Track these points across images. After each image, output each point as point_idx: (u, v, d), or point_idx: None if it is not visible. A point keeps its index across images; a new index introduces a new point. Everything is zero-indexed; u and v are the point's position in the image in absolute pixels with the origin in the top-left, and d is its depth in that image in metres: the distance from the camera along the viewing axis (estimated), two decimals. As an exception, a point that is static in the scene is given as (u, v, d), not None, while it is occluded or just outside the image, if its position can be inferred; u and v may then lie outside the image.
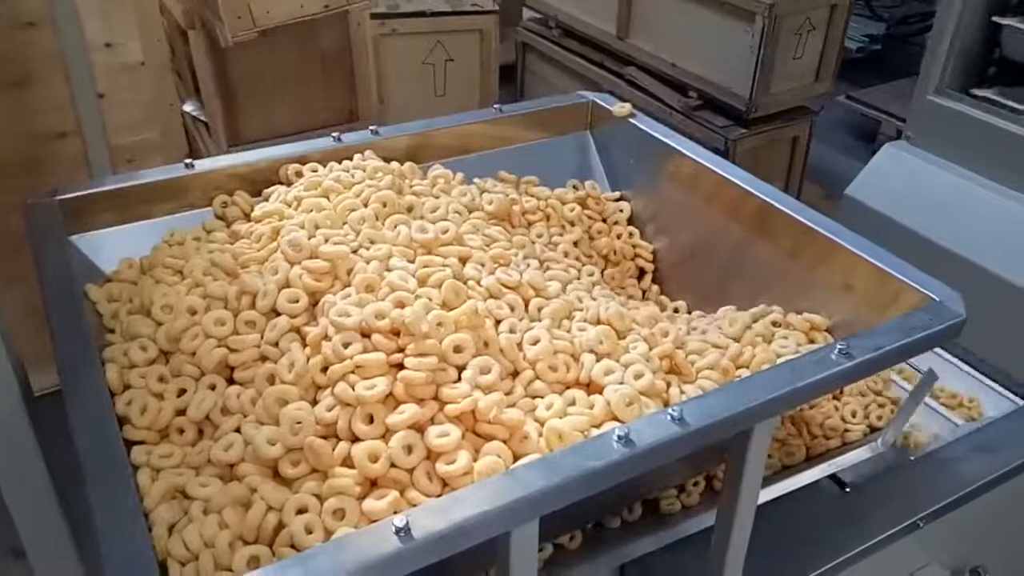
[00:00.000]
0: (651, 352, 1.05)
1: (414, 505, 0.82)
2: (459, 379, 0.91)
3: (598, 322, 1.10)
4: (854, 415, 1.42)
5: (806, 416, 1.40)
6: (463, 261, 1.13)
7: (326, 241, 1.07)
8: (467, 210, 1.32)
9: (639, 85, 3.35)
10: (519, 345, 1.01)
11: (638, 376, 0.99)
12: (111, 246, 1.22)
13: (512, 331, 1.02)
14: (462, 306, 0.95)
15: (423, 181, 1.36)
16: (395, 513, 0.76)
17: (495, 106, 1.52)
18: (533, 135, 1.55)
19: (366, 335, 0.92)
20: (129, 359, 0.96)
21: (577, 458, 0.82)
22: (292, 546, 0.78)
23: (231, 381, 0.96)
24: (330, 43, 2.40)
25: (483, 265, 1.14)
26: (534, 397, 0.96)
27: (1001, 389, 1.73)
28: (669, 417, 0.86)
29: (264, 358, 0.95)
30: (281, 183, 1.31)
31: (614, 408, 0.93)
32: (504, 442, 0.87)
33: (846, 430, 1.40)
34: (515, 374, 0.99)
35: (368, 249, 1.09)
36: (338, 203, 1.19)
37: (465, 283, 1.06)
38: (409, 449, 0.83)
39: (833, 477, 1.54)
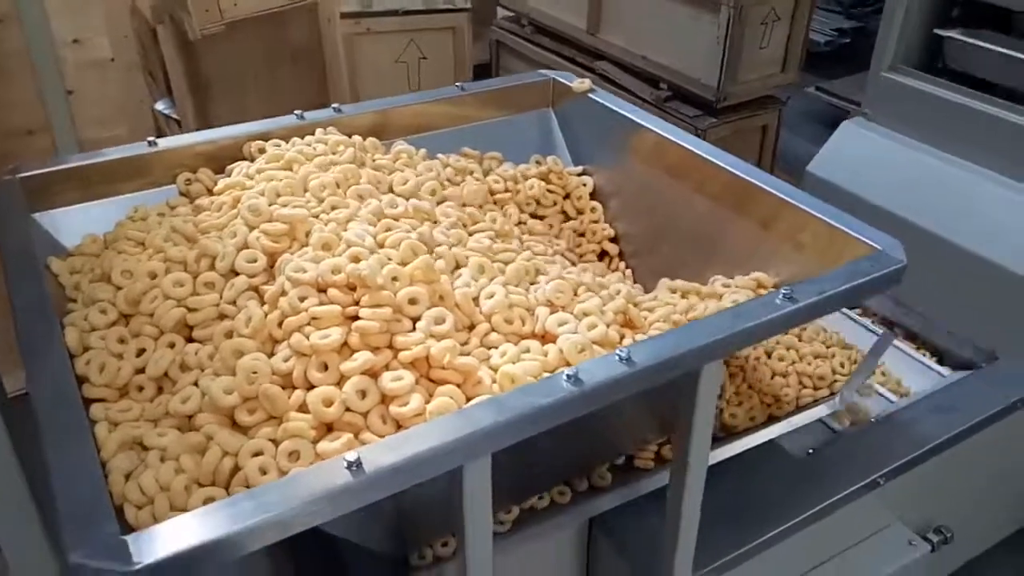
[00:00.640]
0: (605, 307, 1.08)
1: (369, 446, 0.84)
2: (414, 330, 0.93)
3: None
4: (813, 377, 1.45)
5: (764, 381, 1.43)
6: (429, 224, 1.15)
7: (286, 207, 1.09)
8: (440, 186, 1.34)
9: (611, 79, 3.39)
10: (476, 300, 1.03)
11: (591, 327, 1.01)
12: (75, 223, 1.23)
13: (469, 287, 1.04)
14: (416, 260, 0.97)
15: (386, 156, 1.38)
16: (349, 452, 0.78)
17: (457, 84, 1.54)
18: (496, 113, 1.58)
19: (322, 290, 0.94)
20: (89, 323, 0.98)
21: (527, 396, 0.84)
22: (247, 487, 0.80)
23: (191, 341, 0.98)
24: (300, 38, 2.42)
25: (449, 231, 1.17)
26: (490, 348, 0.99)
27: (958, 354, 1.77)
28: (617, 358, 0.89)
29: (223, 316, 0.97)
30: (245, 160, 1.32)
31: (567, 355, 0.95)
32: (458, 387, 0.89)
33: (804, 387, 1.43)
34: (471, 328, 1.01)
35: (328, 214, 1.12)
36: (299, 173, 1.21)
37: (431, 252, 1.07)
38: (363, 394, 0.85)
39: (797, 442, 1.57)
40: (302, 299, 0.92)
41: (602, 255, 1.54)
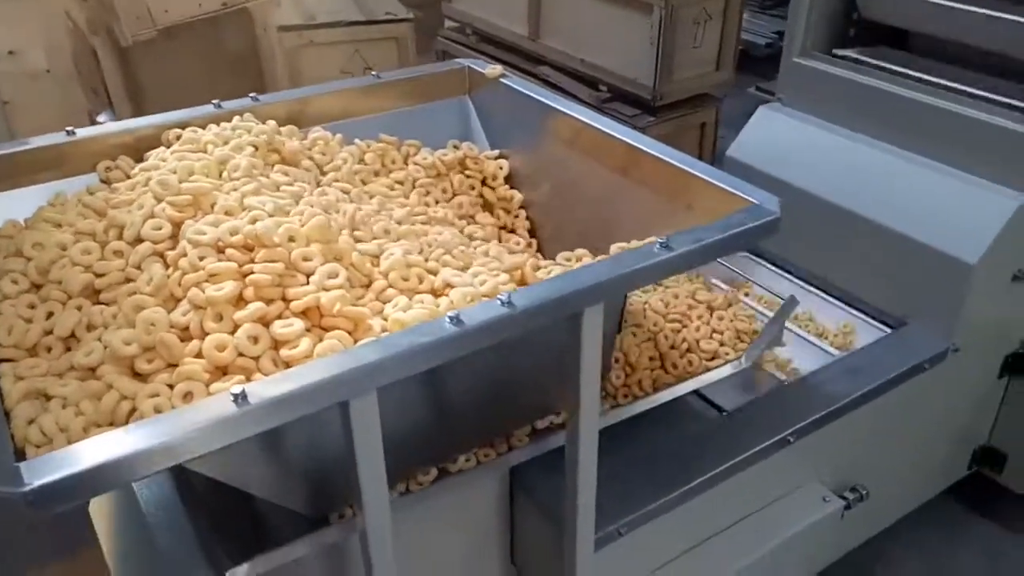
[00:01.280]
0: (502, 267, 1.14)
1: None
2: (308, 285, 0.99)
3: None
4: (720, 340, 1.53)
5: (675, 343, 1.50)
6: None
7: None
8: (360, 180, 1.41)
9: (552, 83, 3.48)
10: (376, 262, 1.09)
11: (483, 282, 1.08)
12: (-3, 211, 1.28)
13: (367, 250, 1.10)
14: (311, 220, 1.03)
15: (303, 141, 1.44)
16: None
17: (374, 73, 1.61)
18: (413, 100, 1.64)
19: (221, 251, 0.99)
20: (1, 293, 1.02)
21: (411, 336, 0.90)
22: (143, 427, 0.84)
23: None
24: (238, 47, 2.48)
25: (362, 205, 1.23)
26: (385, 303, 1.04)
27: (872, 321, 1.85)
28: (499, 302, 0.95)
29: (128, 280, 1.02)
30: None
31: (456, 304, 1.01)
32: (349, 334, 0.95)
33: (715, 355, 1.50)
34: (369, 287, 1.07)
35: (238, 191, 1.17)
36: (214, 155, 1.27)
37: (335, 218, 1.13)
38: (255, 340, 0.90)
39: (713, 404, 1.64)
40: (201, 259, 0.97)
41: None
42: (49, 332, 0.98)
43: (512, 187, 1.63)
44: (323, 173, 1.43)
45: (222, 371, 0.90)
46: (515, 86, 1.62)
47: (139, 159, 1.37)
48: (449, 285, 1.07)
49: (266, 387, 0.82)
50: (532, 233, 1.60)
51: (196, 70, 2.40)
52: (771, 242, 2.06)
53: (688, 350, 1.51)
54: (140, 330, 0.90)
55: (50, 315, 1.00)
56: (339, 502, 1.22)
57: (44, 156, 1.32)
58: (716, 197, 1.24)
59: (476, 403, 1.23)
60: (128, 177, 1.33)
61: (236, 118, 1.41)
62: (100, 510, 1.48)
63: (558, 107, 1.53)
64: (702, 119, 3.34)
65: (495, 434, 1.34)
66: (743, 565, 1.48)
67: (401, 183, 1.51)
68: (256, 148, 1.31)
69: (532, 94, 1.59)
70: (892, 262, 1.79)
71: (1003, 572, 1.97)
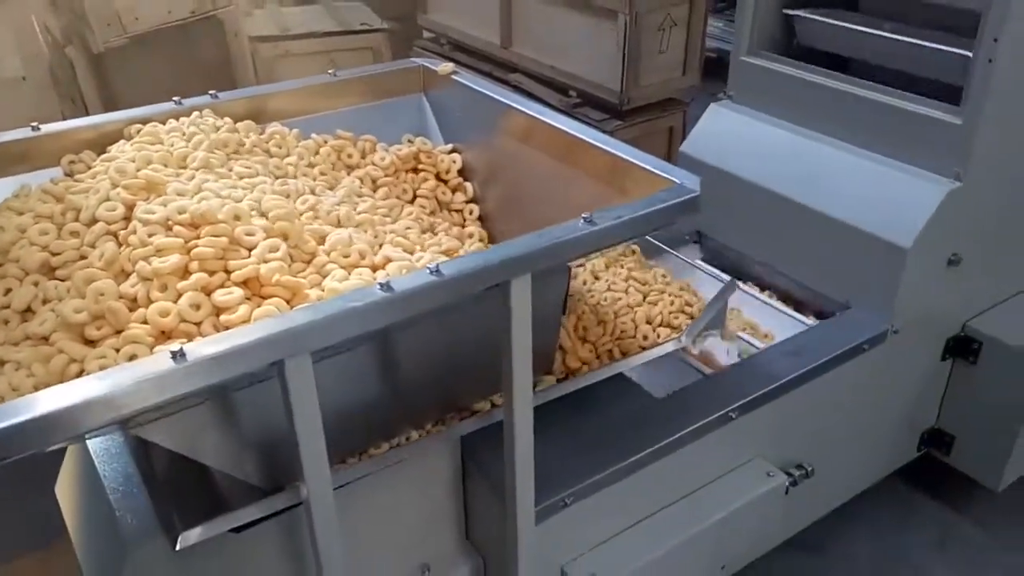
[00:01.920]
0: (440, 245, 1.21)
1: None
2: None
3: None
4: (662, 322, 1.59)
5: (622, 322, 1.57)
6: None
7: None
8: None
9: (524, 89, 3.56)
10: (322, 241, 1.16)
11: (420, 259, 1.14)
12: (-35, 203, 1.34)
13: (313, 230, 1.17)
14: (263, 199, 1.09)
15: (260, 136, 1.51)
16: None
17: (330, 72, 1.68)
18: (370, 98, 1.71)
19: (170, 229, 1.06)
20: (-37, 273, 1.08)
21: (342, 301, 0.96)
22: (89, 386, 0.90)
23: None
24: (210, 54, 2.55)
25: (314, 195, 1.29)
26: (325, 277, 1.11)
27: (796, 315, 1.93)
28: (428, 271, 1.02)
29: (82, 257, 1.08)
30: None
31: (392, 276, 1.08)
32: (287, 302, 1.01)
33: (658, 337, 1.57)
34: (311, 262, 1.13)
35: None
36: (173, 147, 1.34)
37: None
38: (197, 307, 0.97)
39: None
40: (151, 236, 1.04)
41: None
42: (7, 307, 1.04)
43: (466, 179, 1.70)
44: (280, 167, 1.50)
45: (167, 336, 0.96)
46: (466, 83, 1.70)
47: (102, 154, 1.44)
48: (389, 260, 1.13)
49: (203, 346, 0.88)
50: (483, 224, 1.67)
51: (169, 76, 2.47)
52: (722, 232, 2.15)
53: (633, 329, 1.58)
54: (90, 300, 0.97)
55: (8, 291, 1.06)
56: (291, 473, 1.27)
57: (10, 151, 1.39)
58: (646, 180, 1.31)
59: (425, 379, 1.29)
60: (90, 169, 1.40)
61: (195, 113, 1.48)
62: (66, 494, 1.54)
63: (506, 101, 1.60)
64: (670, 123, 3.42)
65: (447, 410, 1.40)
66: (687, 537, 1.54)
67: (361, 180, 1.58)
68: (214, 143, 1.38)
69: (482, 90, 1.67)
70: (834, 248, 1.86)
71: (951, 551, 2.04)
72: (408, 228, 1.38)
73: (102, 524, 1.39)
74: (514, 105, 1.58)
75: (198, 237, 1.05)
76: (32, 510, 1.83)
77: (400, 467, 1.32)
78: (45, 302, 1.04)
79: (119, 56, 2.30)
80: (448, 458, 1.40)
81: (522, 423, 1.19)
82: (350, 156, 1.61)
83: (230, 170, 1.25)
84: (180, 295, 0.98)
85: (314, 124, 1.63)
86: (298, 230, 1.12)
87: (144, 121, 1.46)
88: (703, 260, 2.12)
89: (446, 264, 1.03)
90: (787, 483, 1.67)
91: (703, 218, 2.16)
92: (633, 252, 1.86)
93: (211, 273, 1.01)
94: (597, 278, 1.73)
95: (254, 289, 1.02)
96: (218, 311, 0.98)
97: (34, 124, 1.40)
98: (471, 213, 1.66)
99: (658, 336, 1.58)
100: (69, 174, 1.41)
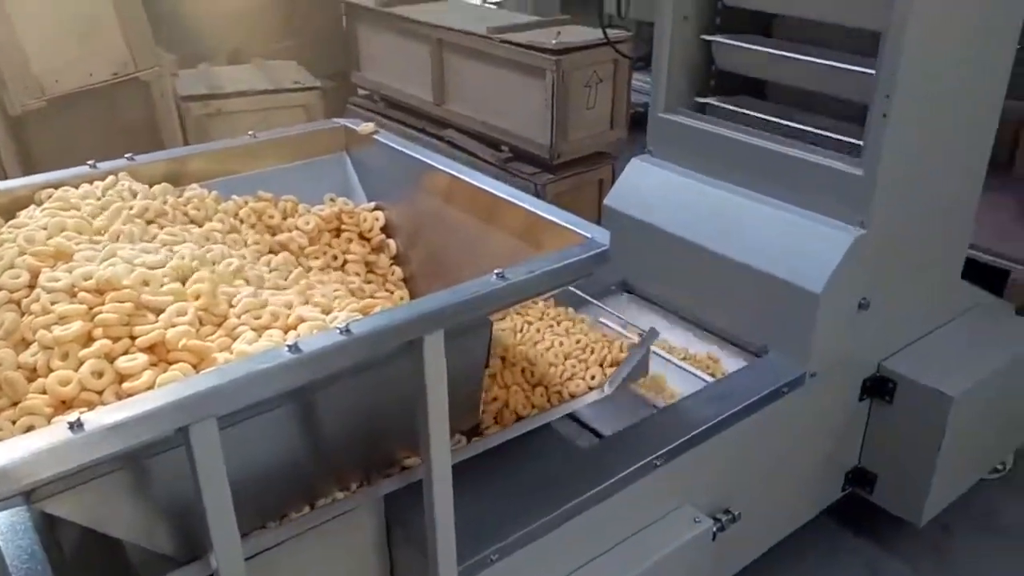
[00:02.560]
0: (356, 306, 1.22)
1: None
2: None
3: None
4: (586, 371, 1.62)
5: (546, 374, 1.59)
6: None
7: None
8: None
9: (457, 144, 3.62)
10: (232, 304, 1.16)
11: (335, 319, 1.15)
12: None
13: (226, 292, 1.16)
14: (167, 263, 1.09)
15: (179, 198, 1.51)
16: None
17: (249, 133, 1.69)
18: (291, 158, 1.73)
19: (75, 296, 1.05)
20: None
21: (249, 364, 0.96)
22: (-18, 460, 0.88)
23: (-45, 353, 1.06)
24: (135, 116, 2.54)
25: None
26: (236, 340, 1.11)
27: (738, 350, 1.98)
28: (338, 331, 1.02)
29: (-17, 327, 1.06)
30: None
31: (302, 336, 1.08)
32: (194, 367, 1.00)
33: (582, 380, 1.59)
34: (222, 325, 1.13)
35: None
36: (85, 211, 1.33)
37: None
38: (99, 375, 0.96)
39: (592, 430, 1.72)
40: (53, 303, 1.03)
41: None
42: (-98, 380, 1.02)
43: (390, 237, 1.72)
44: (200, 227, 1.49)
45: (67, 406, 0.95)
46: (388, 142, 1.72)
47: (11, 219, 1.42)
48: (302, 320, 1.14)
49: (103, 415, 0.87)
50: (406, 282, 1.68)
51: (92, 139, 2.45)
52: (646, 282, 2.20)
53: (559, 379, 1.59)
54: (-13, 370, 0.95)
55: (-96, 364, 1.03)
56: (205, 542, 1.24)
57: (-83, 217, 1.36)
58: (560, 235, 1.34)
59: (347, 438, 1.28)
60: (0, 236, 1.38)
61: (111, 177, 1.47)
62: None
63: (427, 160, 1.63)
64: (599, 175, 3.51)
65: (374, 467, 1.39)
66: (616, 589, 1.54)
67: (288, 248, 1.57)
68: (132, 209, 1.37)
69: (403, 149, 1.70)
70: (751, 295, 1.92)
71: (881, 588, 2.08)
72: (336, 291, 1.39)
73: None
74: (434, 164, 1.61)
75: (103, 303, 1.04)
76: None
77: (321, 530, 1.31)
78: (-58, 374, 1.02)
79: (39, 119, 2.28)
80: (371, 518, 1.39)
81: (440, 480, 1.19)
82: (271, 217, 1.61)
83: (153, 238, 1.24)
84: (82, 363, 0.97)
85: (235, 185, 1.63)
86: (210, 292, 1.12)
87: (57, 185, 1.45)
88: (629, 310, 2.16)
89: (356, 323, 1.03)
90: (714, 528, 1.69)
91: (628, 269, 2.21)
92: (559, 304, 1.89)
93: (115, 340, 1.00)
94: (524, 329, 1.75)
95: (161, 355, 1.01)
96: (121, 378, 0.97)
97: (-59, 191, 1.38)
98: (393, 274, 1.67)
99: (588, 383, 1.60)
100: (-24, 241, 1.38)
